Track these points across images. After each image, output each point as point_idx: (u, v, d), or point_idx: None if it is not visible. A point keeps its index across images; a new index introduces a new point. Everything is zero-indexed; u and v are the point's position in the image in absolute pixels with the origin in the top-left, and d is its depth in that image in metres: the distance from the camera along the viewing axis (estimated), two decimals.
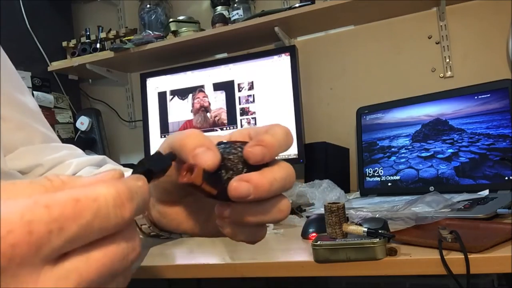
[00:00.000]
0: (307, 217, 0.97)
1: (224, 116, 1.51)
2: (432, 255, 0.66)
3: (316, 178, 1.15)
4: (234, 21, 1.52)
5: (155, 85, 1.61)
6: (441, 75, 1.46)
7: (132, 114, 1.89)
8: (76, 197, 0.19)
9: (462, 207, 0.89)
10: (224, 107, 1.51)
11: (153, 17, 1.71)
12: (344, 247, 0.69)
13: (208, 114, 1.53)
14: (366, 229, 0.68)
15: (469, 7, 1.42)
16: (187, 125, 1.55)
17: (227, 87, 1.51)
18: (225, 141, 0.32)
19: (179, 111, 1.57)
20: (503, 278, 1.06)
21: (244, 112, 1.48)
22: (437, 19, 1.46)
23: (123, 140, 1.90)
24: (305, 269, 0.73)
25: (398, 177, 1.24)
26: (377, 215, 0.83)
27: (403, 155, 1.25)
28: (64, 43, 1.78)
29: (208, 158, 0.29)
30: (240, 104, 1.49)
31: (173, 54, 1.65)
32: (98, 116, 1.75)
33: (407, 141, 1.25)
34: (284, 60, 1.45)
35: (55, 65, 1.72)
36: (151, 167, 0.27)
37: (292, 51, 1.45)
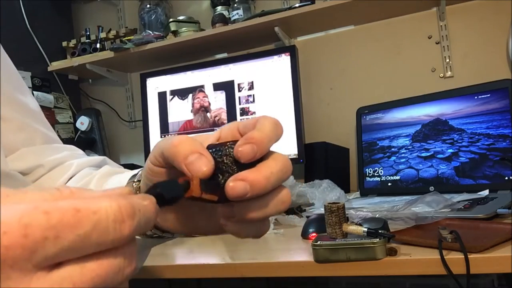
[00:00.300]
0: (307, 217, 0.97)
1: (224, 116, 1.51)
2: (432, 255, 0.66)
3: (316, 178, 1.15)
4: (234, 21, 1.52)
5: (155, 85, 1.61)
6: (441, 75, 1.46)
7: (132, 114, 1.89)
8: (77, 207, 0.19)
9: (462, 207, 0.89)
10: (224, 107, 1.51)
11: (153, 17, 1.71)
12: (344, 247, 0.69)
13: (208, 114, 1.53)
14: (366, 229, 0.68)
15: (469, 7, 1.42)
16: (187, 125, 1.55)
17: (227, 87, 1.51)
18: (215, 143, 0.32)
19: (179, 111, 1.57)
20: (503, 278, 1.06)
21: (244, 112, 1.48)
22: (437, 19, 1.46)
23: (123, 140, 1.90)
24: (305, 269, 0.73)
25: (398, 177, 1.24)
26: (377, 215, 0.83)
27: (403, 155, 1.25)
28: (64, 43, 1.78)
29: (202, 165, 0.29)
30: (240, 104, 1.49)
31: (173, 54, 1.65)
32: (98, 116, 1.75)
33: (407, 141, 1.25)
34: (284, 60, 1.45)
35: (55, 65, 1.72)
36: (163, 192, 0.27)
37: (292, 51, 1.45)
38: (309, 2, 1.38)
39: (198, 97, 1.55)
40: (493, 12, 1.39)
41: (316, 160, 1.40)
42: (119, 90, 1.90)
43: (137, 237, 0.24)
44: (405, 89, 1.45)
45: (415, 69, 1.49)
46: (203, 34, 1.51)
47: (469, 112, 1.16)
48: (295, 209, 1.10)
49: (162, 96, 1.60)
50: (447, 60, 1.45)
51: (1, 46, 0.53)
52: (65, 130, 1.73)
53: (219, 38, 1.53)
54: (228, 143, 0.31)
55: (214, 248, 0.92)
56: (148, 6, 1.71)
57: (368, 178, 1.31)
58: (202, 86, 1.55)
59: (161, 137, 1.58)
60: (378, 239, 0.67)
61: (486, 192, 1.04)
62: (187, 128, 1.55)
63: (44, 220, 0.18)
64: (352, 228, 0.69)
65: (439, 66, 1.46)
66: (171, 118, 1.58)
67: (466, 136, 1.15)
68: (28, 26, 1.67)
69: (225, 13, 1.56)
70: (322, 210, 0.77)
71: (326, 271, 0.71)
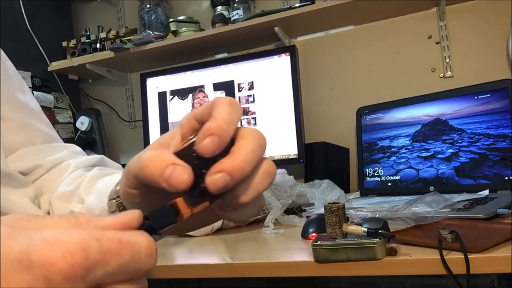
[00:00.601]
0: (307, 217, 0.97)
1: None
2: (432, 255, 0.66)
3: (316, 178, 1.15)
4: (234, 21, 1.52)
5: (155, 85, 1.61)
6: (441, 75, 1.46)
7: (132, 114, 1.89)
8: (120, 238, 0.22)
9: (462, 207, 0.89)
10: None
11: (153, 17, 1.71)
12: (344, 247, 0.69)
13: None
14: (366, 229, 0.68)
15: (469, 7, 1.42)
16: None
17: (227, 87, 1.51)
18: (180, 148, 0.31)
19: (179, 111, 1.57)
20: (503, 278, 1.06)
21: (244, 112, 1.48)
22: (437, 19, 1.46)
23: (123, 140, 1.90)
24: (305, 269, 0.73)
25: (398, 177, 1.24)
26: (377, 215, 0.83)
27: (403, 155, 1.25)
28: (64, 43, 1.78)
29: (181, 175, 0.28)
30: (240, 104, 1.49)
31: (173, 54, 1.65)
32: (98, 116, 1.75)
33: (407, 141, 1.25)
34: (284, 60, 1.45)
35: (55, 65, 1.72)
36: (153, 224, 0.27)
37: (292, 51, 1.45)
38: (309, 2, 1.38)
39: (198, 97, 1.55)
40: (493, 12, 1.39)
41: (316, 160, 1.40)
42: (119, 90, 1.91)
43: None
44: (405, 89, 1.45)
45: (415, 69, 1.49)
46: (203, 34, 1.51)
47: (469, 112, 1.16)
48: (295, 209, 1.10)
49: (162, 96, 1.60)
50: (447, 60, 1.45)
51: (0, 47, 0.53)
52: (65, 130, 1.73)
53: (219, 38, 1.53)
54: (191, 142, 0.30)
55: (214, 248, 0.92)
56: (148, 6, 1.72)
57: (368, 178, 1.31)
58: (202, 86, 1.55)
59: None
60: (378, 239, 0.67)
61: (486, 192, 1.04)
62: None
63: (98, 246, 0.21)
64: (352, 228, 0.69)
65: (439, 66, 1.46)
66: (171, 118, 1.58)
67: (466, 136, 1.15)
68: (28, 26, 1.67)
69: (225, 13, 1.56)
70: (322, 210, 0.77)
71: (326, 271, 0.71)
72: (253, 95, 1.48)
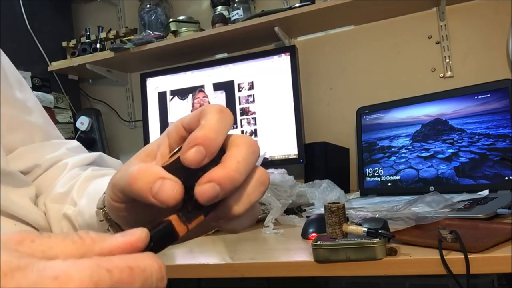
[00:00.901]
0: (307, 217, 0.97)
1: None
2: (432, 255, 0.66)
3: (316, 178, 1.15)
4: (234, 21, 1.52)
5: (155, 85, 1.61)
6: (441, 75, 1.46)
7: (132, 114, 1.89)
8: (130, 265, 0.21)
9: (462, 207, 0.89)
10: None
11: (153, 17, 1.71)
12: (344, 247, 0.69)
13: None
14: (366, 229, 0.68)
15: (469, 7, 1.42)
16: None
17: (227, 87, 1.51)
18: (168, 161, 0.29)
19: (179, 111, 1.57)
20: (503, 278, 1.06)
21: (244, 112, 1.48)
22: (437, 19, 1.46)
23: (123, 140, 1.90)
24: (305, 269, 0.73)
25: (398, 177, 1.24)
26: (377, 215, 0.83)
27: (403, 155, 1.25)
28: (64, 43, 1.78)
29: (169, 190, 0.27)
30: (240, 104, 1.49)
31: (173, 54, 1.65)
32: (98, 116, 1.75)
33: (407, 141, 1.25)
34: (284, 60, 1.45)
35: (55, 65, 1.72)
36: (155, 245, 0.26)
37: (292, 51, 1.45)
38: (309, 2, 1.38)
39: (198, 97, 1.55)
40: (493, 12, 1.39)
41: (316, 160, 1.40)
42: (119, 90, 1.91)
43: None
44: (405, 89, 1.45)
45: (415, 69, 1.49)
46: (203, 34, 1.51)
47: (469, 112, 1.16)
48: (295, 209, 1.10)
49: (162, 96, 1.60)
50: (447, 60, 1.45)
51: None
52: (65, 130, 1.73)
53: (219, 38, 1.53)
54: (178, 155, 0.28)
55: (214, 248, 0.92)
56: (148, 6, 1.72)
57: (368, 178, 1.31)
58: (202, 86, 1.55)
59: None
60: (378, 239, 0.67)
61: (486, 192, 1.04)
62: None
63: (108, 278, 0.20)
64: (352, 228, 0.69)
65: (439, 66, 1.46)
66: (171, 118, 1.58)
67: (466, 136, 1.15)
68: (28, 26, 1.67)
69: (225, 13, 1.56)
70: (322, 210, 0.77)
71: (326, 271, 0.71)
72: (253, 95, 1.48)
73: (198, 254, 0.91)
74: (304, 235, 0.88)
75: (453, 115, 1.18)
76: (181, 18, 1.62)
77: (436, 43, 1.47)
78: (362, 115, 1.38)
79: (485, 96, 1.13)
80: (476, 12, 1.41)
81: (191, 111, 1.55)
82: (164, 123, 1.59)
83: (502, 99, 1.10)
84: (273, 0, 1.62)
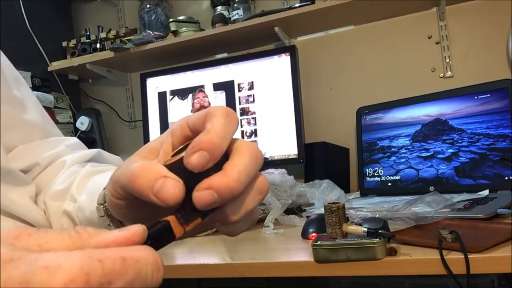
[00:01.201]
0: (307, 217, 0.97)
1: None
2: (432, 255, 0.66)
3: (316, 178, 1.15)
4: (234, 21, 1.52)
5: (155, 85, 1.61)
6: (441, 75, 1.46)
7: (132, 114, 1.89)
8: (123, 256, 0.21)
9: (462, 207, 0.89)
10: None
11: (153, 17, 1.71)
12: (344, 247, 0.69)
13: None
14: (366, 229, 0.68)
15: (469, 7, 1.42)
16: None
17: (227, 87, 1.51)
18: (171, 161, 0.29)
19: (179, 111, 1.57)
20: (503, 278, 1.06)
21: (244, 112, 1.48)
22: (437, 19, 1.46)
23: (123, 140, 1.90)
24: (305, 269, 0.73)
25: (398, 177, 1.24)
26: (377, 215, 0.83)
27: (403, 155, 1.25)
28: (64, 43, 1.78)
29: (171, 189, 0.27)
30: (240, 104, 1.49)
31: (173, 54, 1.65)
32: (98, 116, 1.75)
33: (407, 141, 1.25)
34: (284, 60, 1.45)
35: (55, 65, 1.72)
36: (153, 243, 0.26)
37: (292, 51, 1.45)
38: (309, 2, 1.38)
39: (198, 97, 1.55)
40: (493, 12, 1.39)
41: (316, 160, 1.40)
42: (119, 90, 1.91)
43: None
44: (405, 89, 1.45)
45: (415, 69, 1.49)
46: (203, 34, 1.51)
47: (469, 112, 1.16)
48: (295, 209, 1.10)
49: (162, 96, 1.60)
50: (447, 60, 1.45)
51: None
52: (65, 130, 1.73)
53: (219, 38, 1.53)
54: (182, 156, 0.28)
55: (214, 248, 0.92)
56: (148, 6, 1.72)
57: (368, 178, 1.31)
58: (202, 86, 1.55)
59: None
60: (378, 239, 0.67)
61: (486, 192, 1.04)
62: None
63: (100, 268, 0.20)
64: (352, 228, 0.69)
65: (439, 66, 1.46)
66: (171, 118, 1.58)
67: (466, 136, 1.15)
68: (28, 26, 1.67)
69: (225, 13, 1.56)
70: (322, 210, 0.77)
71: (326, 271, 0.71)
72: (253, 95, 1.48)
73: (198, 254, 0.91)
74: (304, 235, 0.88)
75: (453, 115, 1.18)
76: (181, 18, 1.62)
77: (436, 43, 1.46)
78: (362, 115, 1.38)
79: (485, 96, 1.13)
80: (476, 12, 1.41)
81: (191, 111, 1.55)
82: (164, 123, 1.59)
83: (502, 99, 1.10)
84: (273, 0, 1.62)
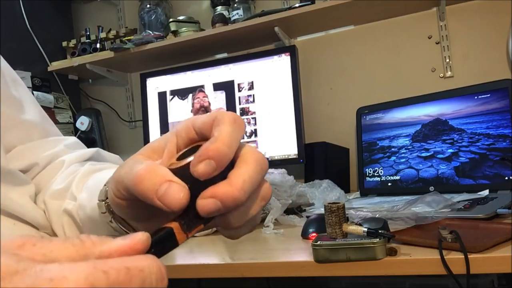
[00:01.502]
0: (307, 217, 0.97)
1: None
2: (432, 255, 0.66)
3: (316, 178, 1.15)
4: (234, 21, 1.52)
5: (155, 85, 1.61)
6: (441, 75, 1.46)
7: (132, 114, 1.89)
8: (127, 265, 0.21)
9: (462, 207, 0.89)
10: (224, 107, 1.51)
11: (153, 17, 1.71)
12: (344, 247, 0.69)
13: None
14: (366, 229, 0.68)
15: (469, 7, 1.42)
16: None
17: (227, 87, 1.51)
18: (176, 166, 0.29)
19: (179, 111, 1.57)
20: (503, 278, 1.06)
21: (244, 112, 1.48)
22: (437, 19, 1.46)
23: (123, 140, 1.90)
24: (305, 269, 0.73)
25: (398, 177, 1.24)
26: (377, 215, 0.83)
27: (403, 155, 1.25)
28: (64, 43, 1.78)
29: (176, 194, 0.27)
30: (240, 104, 1.49)
31: (173, 54, 1.65)
32: (98, 116, 1.75)
33: (407, 141, 1.25)
34: (284, 60, 1.45)
35: (55, 65, 1.72)
36: (157, 251, 0.25)
37: (292, 51, 1.45)
38: (309, 2, 1.38)
39: (198, 97, 1.55)
40: (493, 12, 1.39)
41: (316, 160, 1.40)
42: (119, 90, 1.91)
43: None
44: (405, 89, 1.45)
45: (415, 69, 1.49)
46: (203, 34, 1.51)
47: (469, 112, 1.16)
48: (295, 209, 1.10)
49: (162, 96, 1.60)
50: (447, 60, 1.45)
51: None
52: (65, 130, 1.73)
53: (219, 38, 1.53)
54: (189, 161, 0.28)
55: (214, 248, 0.92)
56: (148, 6, 1.71)
57: (368, 178, 1.31)
58: (202, 86, 1.55)
59: None
60: (378, 239, 0.67)
61: (486, 192, 1.04)
62: None
63: (105, 279, 0.20)
64: (352, 228, 0.69)
65: (439, 66, 1.46)
66: (171, 118, 1.58)
67: (466, 136, 1.15)
68: (28, 26, 1.67)
69: (225, 13, 1.56)
70: (322, 210, 0.77)
71: (326, 271, 0.71)
72: (253, 95, 1.48)
73: (198, 254, 0.91)
74: (304, 235, 0.88)
75: (453, 115, 1.18)
76: (181, 18, 1.62)
77: (436, 43, 1.46)
78: (362, 115, 1.38)
79: (485, 96, 1.13)
80: (476, 12, 1.41)
81: (191, 111, 1.55)
82: (164, 123, 1.59)
83: (502, 99, 1.10)
84: (273, 0, 1.62)
